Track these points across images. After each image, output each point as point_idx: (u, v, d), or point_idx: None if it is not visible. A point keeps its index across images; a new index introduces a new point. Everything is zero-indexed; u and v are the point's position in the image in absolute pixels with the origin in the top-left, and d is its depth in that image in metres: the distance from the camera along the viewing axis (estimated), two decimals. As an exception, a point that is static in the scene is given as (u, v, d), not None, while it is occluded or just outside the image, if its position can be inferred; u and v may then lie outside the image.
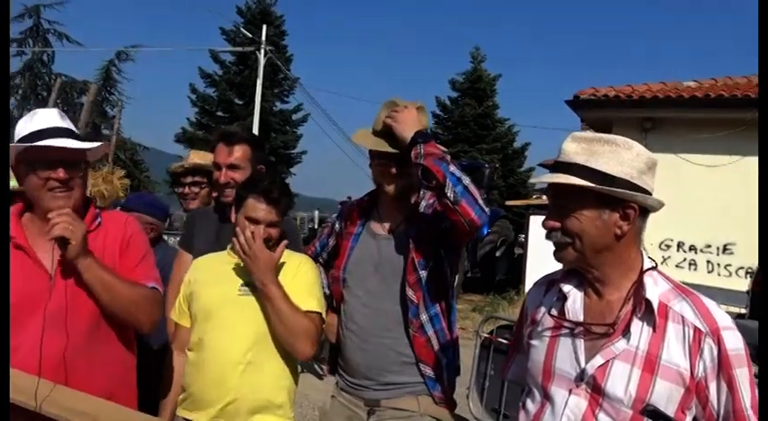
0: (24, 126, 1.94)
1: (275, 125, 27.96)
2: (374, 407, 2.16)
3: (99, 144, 1.99)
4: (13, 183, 2.81)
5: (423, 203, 2.21)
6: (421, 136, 2.01)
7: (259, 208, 2.10)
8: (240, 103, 27.89)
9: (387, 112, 2.14)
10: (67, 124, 1.97)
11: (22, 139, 1.91)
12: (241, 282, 2.15)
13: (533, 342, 1.58)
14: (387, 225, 2.25)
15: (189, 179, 3.33)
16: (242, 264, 2.12)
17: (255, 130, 21.00)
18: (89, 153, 2.00)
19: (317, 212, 17.59)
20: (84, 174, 1.98)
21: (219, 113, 28.15)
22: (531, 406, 1.56)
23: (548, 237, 1.50)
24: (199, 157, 3.36)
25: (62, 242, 1.83)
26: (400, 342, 2.13)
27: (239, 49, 25.22)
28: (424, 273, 2.11)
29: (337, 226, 2.45)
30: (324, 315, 2.18)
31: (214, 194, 3.07)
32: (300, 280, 2.16)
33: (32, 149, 1.89)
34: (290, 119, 29.09)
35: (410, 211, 2.22)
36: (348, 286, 2.24)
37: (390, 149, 2.12)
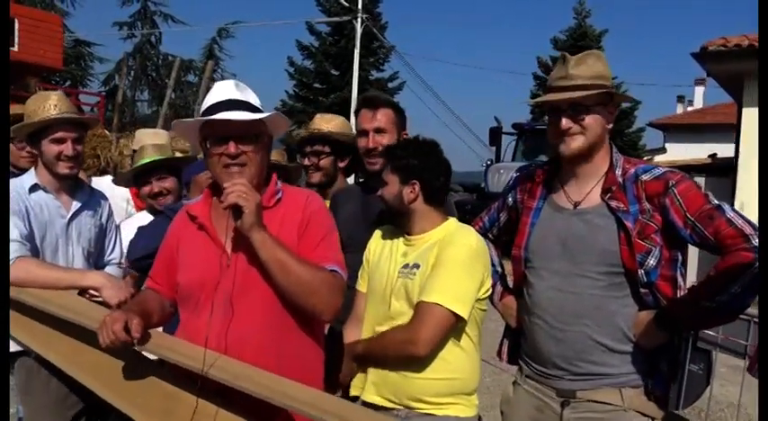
0: (206, 100, 1.87)
1: (372, 94, 27.83)
2: (569, 399, 1.96)
3: (273, 113, 1.87)
4: None
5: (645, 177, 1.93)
6: None
7: None
8: (336, 73, 27.97)
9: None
10: (245, 95, 1.87)
11: (201, 115, 1.85)
12: (405, 263, 2.05)
13: None
14: (573, 197, 2.02)
15: (308, 148, 2.90)
16: (410, 246, 2.07)
17: (354, 101, 21.01)
18: (270, 125, 1.89)
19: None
20: (260, 148, 1.85)
21: (317, 85, 28.41)
22: None
23: None
24: (324, 122, 2.99)
25: (236, 213, 1.73)
26: (599, 329, 1.92)
27: (335, 18, 25.21)
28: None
29: (510, 199, 2.22)
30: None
31: (341, 163, 2.91)
32: None
33: (207, 125, 1.83)
34: (386, 87, 28.91)
35: (607, 180, 1.96)
36: (532, 267, 2.03)
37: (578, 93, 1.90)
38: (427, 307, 1.93)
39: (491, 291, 2.11)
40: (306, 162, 2.91)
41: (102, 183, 3.44)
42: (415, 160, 2.05)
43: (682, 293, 1.91)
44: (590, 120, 1.93)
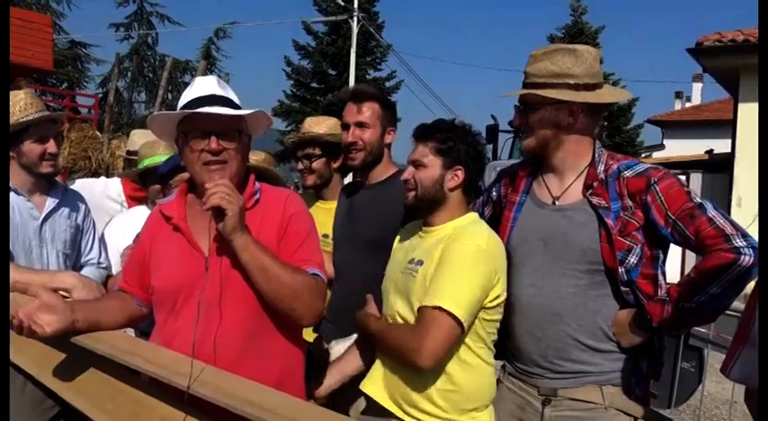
0: (184, 96, 1.82)
1: (369, 93, 27.80)
2: (550, 397, 1.92)
3: (256, 110, 1.81)
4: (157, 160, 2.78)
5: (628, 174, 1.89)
6: None
7: None
8: (334, 73, 27.91)
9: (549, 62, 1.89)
10: (227, 92, 1.82)
11: (181, 110, 1.79)
12: (410, 258, 1.95)
13: None
14: (554, 191, 1.98)
15: (300, 152, 2.90)
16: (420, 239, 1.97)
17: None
18: (249, 123, 1.84)
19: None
20: (241, 146, 1.80)
21: (314, 85, 28.35)
22: None
23: None
24: (315, 124, 2.96)
25: (218, 215, 1.67)
26: (579, 328, 1.88)
27: (332, 18, 25.16)
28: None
29: (494, 193, 2.19)
30: None
31: (335, 164, 2.88)
32: None
33: (187, 119, 1.77)
34: (384, 86, 28.84)
35: (588, 175, 1.93)
36: (513, 263, 1.98)
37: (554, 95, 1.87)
38: (431, 313, 1.75)
39: (503, 298, 1.90)
40: (299, 166, 2.90)
41: (96, 185, 3.41)
42: (464, 145, 1.91)
43: (662, 292, 1.86)
44: (534, 119, 1.92)
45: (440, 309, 1.73)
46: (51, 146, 2.38)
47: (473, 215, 1.98)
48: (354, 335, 2.14)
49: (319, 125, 2.94)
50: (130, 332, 2.94)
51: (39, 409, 2.31)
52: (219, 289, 1.74)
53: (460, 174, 1.91)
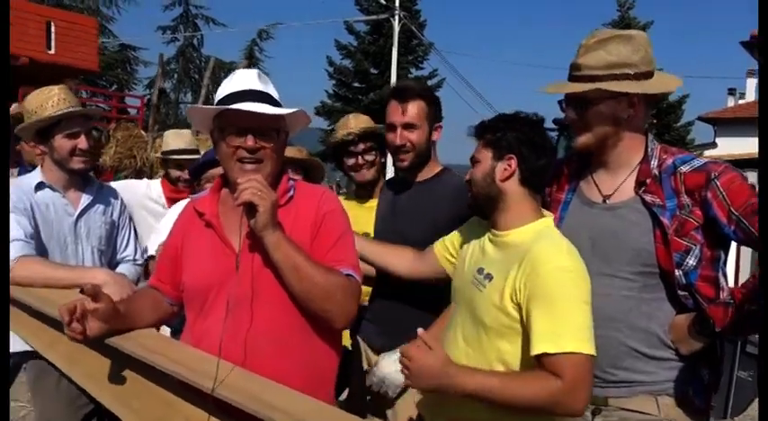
0: (223, 88, 1.75)
1: (411, 92, 27.77)
2: (600, 406, 1.79)
3: (296, 109, 1.73)
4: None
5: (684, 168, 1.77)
6: None
7: None
8: (375, 72, 27.98)
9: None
10: (267, 87, 1.75)
11: (218, 102, 1.72)
12: (479, 267, 1.77)
13: None
14: (604, 189, 1.85)
15: (361, 146, 2.80)
16: (490, 245, 1.77)
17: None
18: (288, 121, 1.77)
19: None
20: (278, 145, 1.74)
21: (356, 84, 28.46)
22: None
23: None
24: (360, 121, 2.90)
25: (250, 211, 1.61)
26: (632, 334, 1.75)
27: (373, 17, 25.21)
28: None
29: None
30: None
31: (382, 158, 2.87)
32: None
33: (225, 114, 1.70)
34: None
35: (641, 172, 1.81)
36: None
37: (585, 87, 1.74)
38: (565, 361, 1.52)
39: None
40: (359, 161, 2.80)
41: (139, 187, 3.44)
42: (513, 132, 1.73)
43: (724, 295, 1.73)
44: (592, 114, 1.78)
45: (571, 353, 1.53)
46: (82, 141, 2.37)
47: (544, 221, 1.74)
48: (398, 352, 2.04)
49: (364, 121, 2.90)
50: (166, 330, 2.94)
51: (73, 407, 2.31)
52: (250, 288, 1.68)
53: (513, 163, 1.71)
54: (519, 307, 1.61)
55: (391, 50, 22.70)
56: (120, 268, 2.58)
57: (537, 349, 1.54)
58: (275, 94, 1.77)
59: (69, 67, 8.64)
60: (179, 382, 1.67)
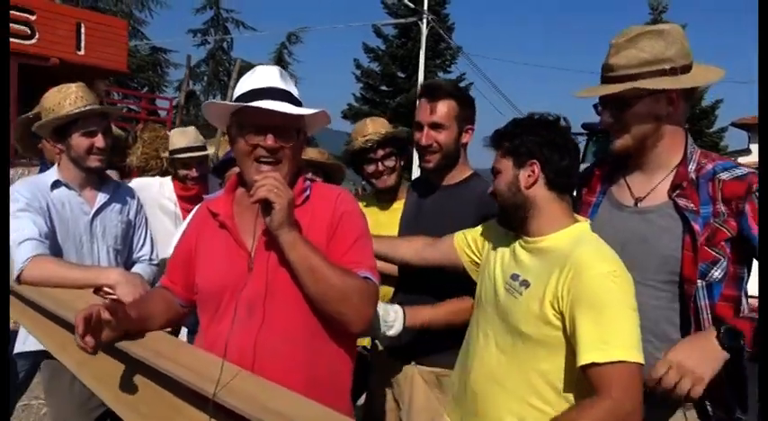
0: (243, 83, 1.70)
1: (438, 96, 27.69)
2: None
3: (319, 110, 1.68)
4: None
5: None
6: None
7: None
8: (403, 76, 27.93)
9: None
10: (288, 85, 1.70)
11: (238, 98, 1.68)
12: (512, 273, 1.71)
13: None
14: (637, 191, 1.77)
15: (380, 152, 2.73)
16: (522, 250, 1.71)
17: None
18: (307, 121, 1.72)
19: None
20: (297, 146, 1.69)
21: (383, 88, 28.45)
22: None
23: None
24: (380, 126, 2.85)
25: (266, 209, 1.56)
26: (662, 346, 1.65)
27: (401, 20, 25.19)
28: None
29: None
30: None
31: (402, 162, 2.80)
32: None
33: (244, 111, 1.65)
34: (453, 89, 28.57)
35: (677, 175, 1.72)
36: None
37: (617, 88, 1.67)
38: (616, 371, 1.44)
39: None
40: (379, 167, 2.75)
41: (153, 185, 3.42)
42: (531, 136, 1.66)
43: (746, 312, 1.64)
44: (630, 115, 1.70)
45: (621, 362, 1.45)
46: (99, 140, 2.35)
47: (580, 226, 1.67)
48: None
49: (382, 125, 2.84)
50: (182, 330, 2.90)
51: (85, 409, 2.28)
52: (264, 288, 1.63)
53: (536, 168, 1.65)
54: (561, 315, 1.53)
55: (419, 54, 22.67)
56: (136, 268, 2.55)
57: (585, 359, 1.46)
58: (296, 93, 1.72)
59: (98, 68, 8.74)
60: (187, 387, 1.63)
